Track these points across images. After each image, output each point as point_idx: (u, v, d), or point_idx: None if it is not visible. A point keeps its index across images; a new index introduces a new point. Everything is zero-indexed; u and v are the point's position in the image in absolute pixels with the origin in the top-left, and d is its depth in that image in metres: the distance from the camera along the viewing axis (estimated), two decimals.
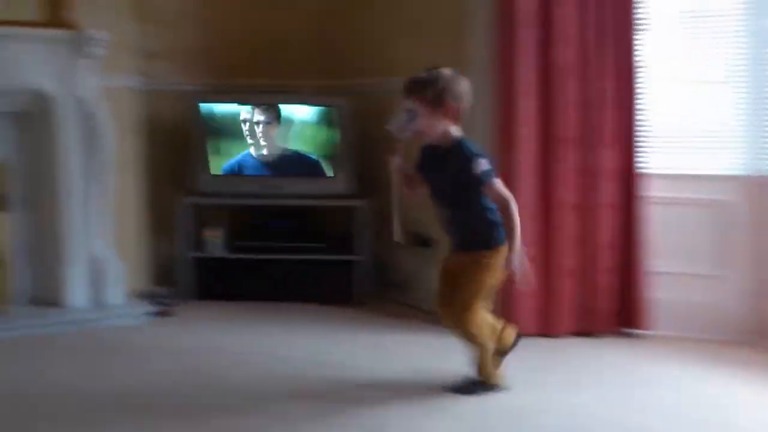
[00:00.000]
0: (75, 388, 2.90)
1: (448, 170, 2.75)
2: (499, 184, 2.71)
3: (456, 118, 2.73)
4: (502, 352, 2.88)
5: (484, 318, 2.81)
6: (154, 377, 3.03)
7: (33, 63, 3.58)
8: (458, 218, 2.82)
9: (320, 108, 4.20)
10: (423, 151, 2.84)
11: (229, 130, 4.15)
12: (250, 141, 4.15)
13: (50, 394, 2.84)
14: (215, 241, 4.14)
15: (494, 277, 2.77)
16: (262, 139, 4.17)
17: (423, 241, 3.90)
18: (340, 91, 4.35)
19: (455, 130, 2.74)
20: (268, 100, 4.19)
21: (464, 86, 2.73)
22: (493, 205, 2.74)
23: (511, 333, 2.93)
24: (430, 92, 2.66)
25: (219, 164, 4.17)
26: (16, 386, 2.93)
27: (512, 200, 2.71)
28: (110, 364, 3.20)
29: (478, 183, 2.69)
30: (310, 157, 4.18)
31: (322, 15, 4.54)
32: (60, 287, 3.72)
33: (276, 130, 4.17)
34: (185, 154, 4.21)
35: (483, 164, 2.67)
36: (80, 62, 3.66)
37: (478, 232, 2.77)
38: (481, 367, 2.83)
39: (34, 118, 3.68)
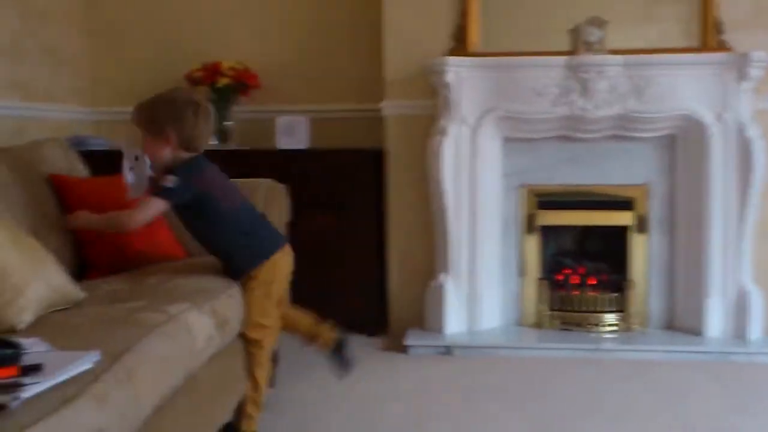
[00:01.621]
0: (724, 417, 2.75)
1: None
2: (153, 206, 2.38)
3: (185, 146, 2.42)
4: None
5: None
6: None
7: (687, 87, 3.56)
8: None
9: None
10: None
11: None
12: None
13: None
14: None
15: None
16: None
17: None
18: None
19: (185, 155, 2.44)
20: None
21: (190, 110, 2.42)
22: (231, 227, 2.45)
23: None
24: (144, 116, 2.44)
25: None
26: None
27: (131, 224, 2.40)
28: (752, 399, 2.97)
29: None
30: None
31: None
32: (698, 315, 3.61)
33: None
34: None
35: (169, 180, 2.36)
36: (736, 85, 3.53)
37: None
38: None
39: (680, 141, 3.66)
